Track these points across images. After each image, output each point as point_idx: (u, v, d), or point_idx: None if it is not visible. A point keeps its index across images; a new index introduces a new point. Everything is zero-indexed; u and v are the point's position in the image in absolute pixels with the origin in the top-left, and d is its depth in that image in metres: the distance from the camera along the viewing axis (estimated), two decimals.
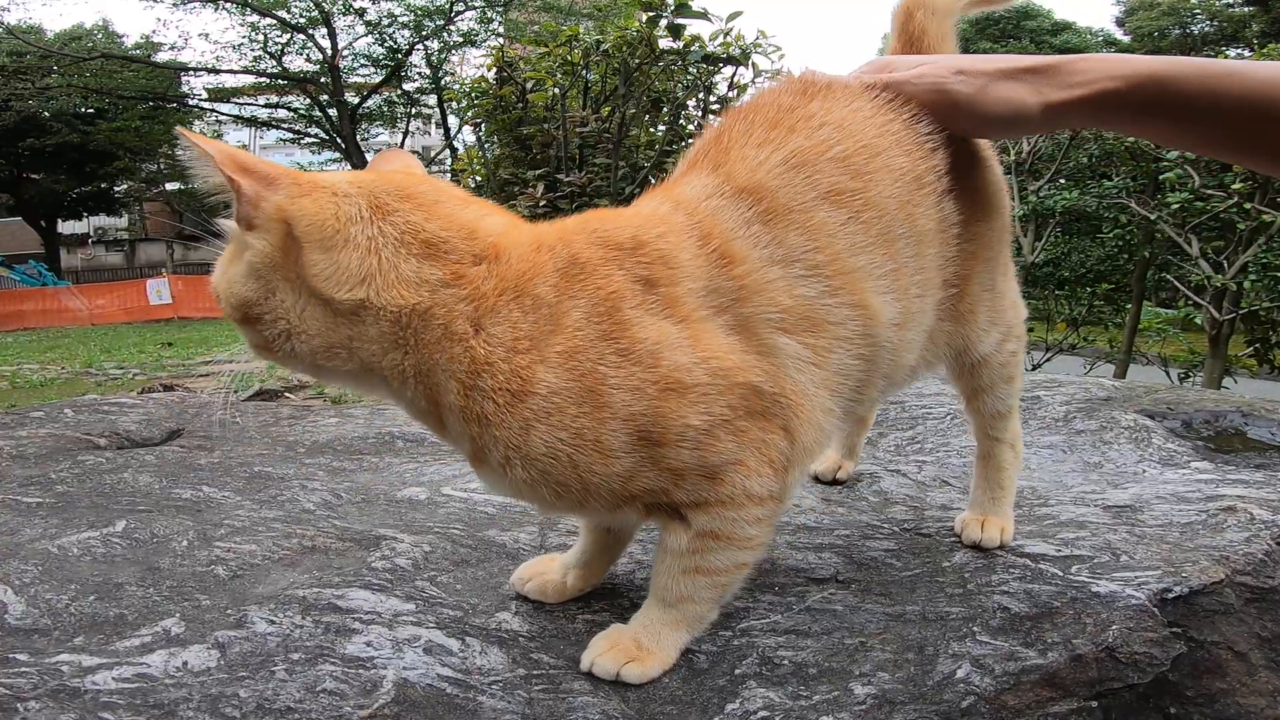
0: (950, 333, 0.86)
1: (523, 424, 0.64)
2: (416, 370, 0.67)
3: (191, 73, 20.20)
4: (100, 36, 21.39)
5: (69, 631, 0.79)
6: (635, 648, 0.71)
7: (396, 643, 0.76)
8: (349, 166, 20.11)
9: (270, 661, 0.73)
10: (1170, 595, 0.79)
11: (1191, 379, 5.03)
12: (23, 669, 0.72)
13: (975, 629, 0.76)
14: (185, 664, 0.73)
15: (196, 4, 17.96)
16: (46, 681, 0.70)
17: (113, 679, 0.70)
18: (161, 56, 19.88)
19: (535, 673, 0.73)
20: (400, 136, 22.15)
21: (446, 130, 19.53)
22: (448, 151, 18.87)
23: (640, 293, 0.66)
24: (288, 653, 0.75)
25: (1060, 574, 0.85)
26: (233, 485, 1.27)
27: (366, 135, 22.47)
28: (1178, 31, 22.91)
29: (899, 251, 0.75)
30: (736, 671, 0.72)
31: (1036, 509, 1.07)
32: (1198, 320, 4.94)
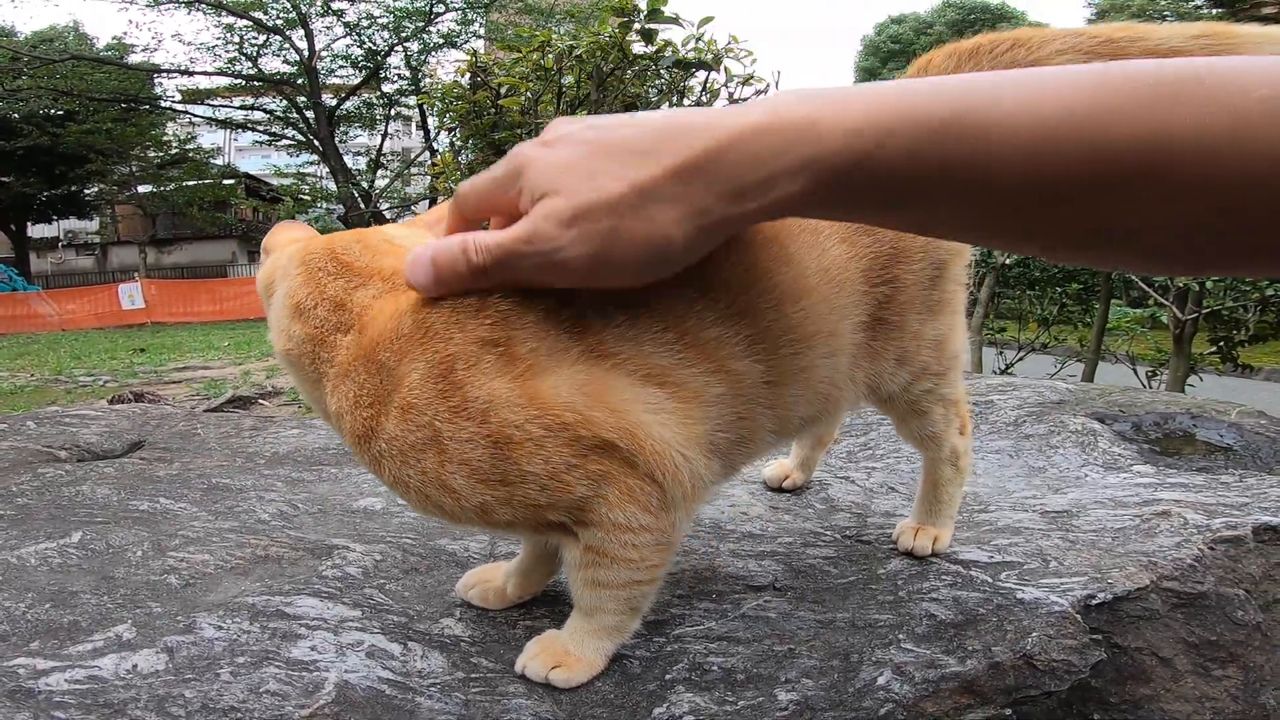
0: (865, 369, 0.86)
1: (373, 459, 0.70)
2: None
3: (165, 74, 19.97)
4: (71, 38, 21.09)
5: (25, 637, 0.81)
6: (564, 653, 0.74)
7: (340, 647, 0.78)
8: (326, 169, 19.98)
9: (216, 664, 0.75)
10: (1094, 602, 0.81)
11: (1159, 377, 5.13)
12: None
13: (900, 636, 0.78)
14: (135, 667, 0.75)
15: (170, 5, 17.76)
16: (4, 683, 0.71)
17: (65, 681, 0.72)
18: (134, 58, 19.64)
19: (473, 676, 0.75)
20: (379, 138, 22.01)
21: (426, 133, 19.43)
22: (427, 154, 18.78)
23: (478, 353, 0.66)
24: (234, 656, 0.77)
25: (989, 581, 0.87)
26: (190, 497, 1.27)
27: (344, 137, 22.32)
28: None
29: (759, 320, 0.73)
30: (667, 677, 0.74)
31: (976, 515, 1.10)
32: (1163, 319, 5.04)
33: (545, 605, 0.89)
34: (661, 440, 0.68)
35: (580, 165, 0.56)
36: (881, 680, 0.72)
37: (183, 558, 1.00)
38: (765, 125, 0.52)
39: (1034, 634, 0.77)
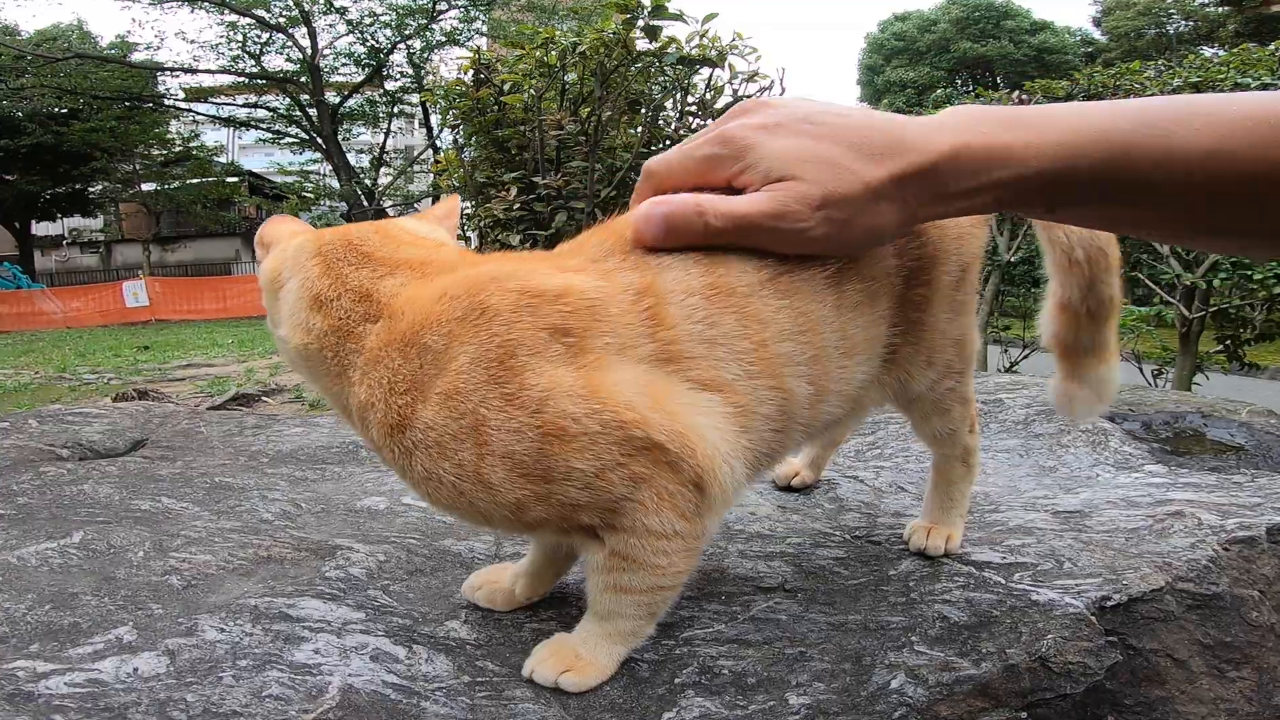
0: (897, 370, 0.87)
1: (404, 451, 0.68)
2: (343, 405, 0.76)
3: (168, 72, 20.00)
4: (75, 37, 21.14)
5: (25, 639, 0.80)
6: (574, 657, 0.73)
7: (344, 650, 0.77)
8: (329, 166, 20.01)
9: (218, 668, 0.74)
10: (1109, 603, 0.80)
11: (1164, 375, 5.11)
12: None
13: (914, 639, 0.77)
14: (135, 670, 0.74)
15: (173, 4, 17.78)
16: (3, 686, 0.71)
17: (65, 684, 0.71)
18: (137, 56, 19.68)
19: (479, 679, 0.74)
20: (382, 136, 22.03)
21: (429, 130, 19.44)
22: (430, 152, 18.79)
23: (546, 341, 0.66)
24: (236, 659, 0.76)
25: (1003, 582, 0.86)
26: (192, 496, 1.27)
27: (348, 135, 22.34)
28: (1154, 31, 23.22)
29: (824, 336, 0.75)
30: (676, 680, 0.73)
31: (987, 515, 1.09)
32: (1169, 318, 5.02)
33: (553, 608, 0.88)
34: (714, 446, 0.68)
35: (817, 157, 0.66)
36: (895, 683, 0.71)
37: (184, 558, 0.99)
38: (971, 147, 0.65)
39: (1049, 636, 0.76)
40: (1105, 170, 0.63)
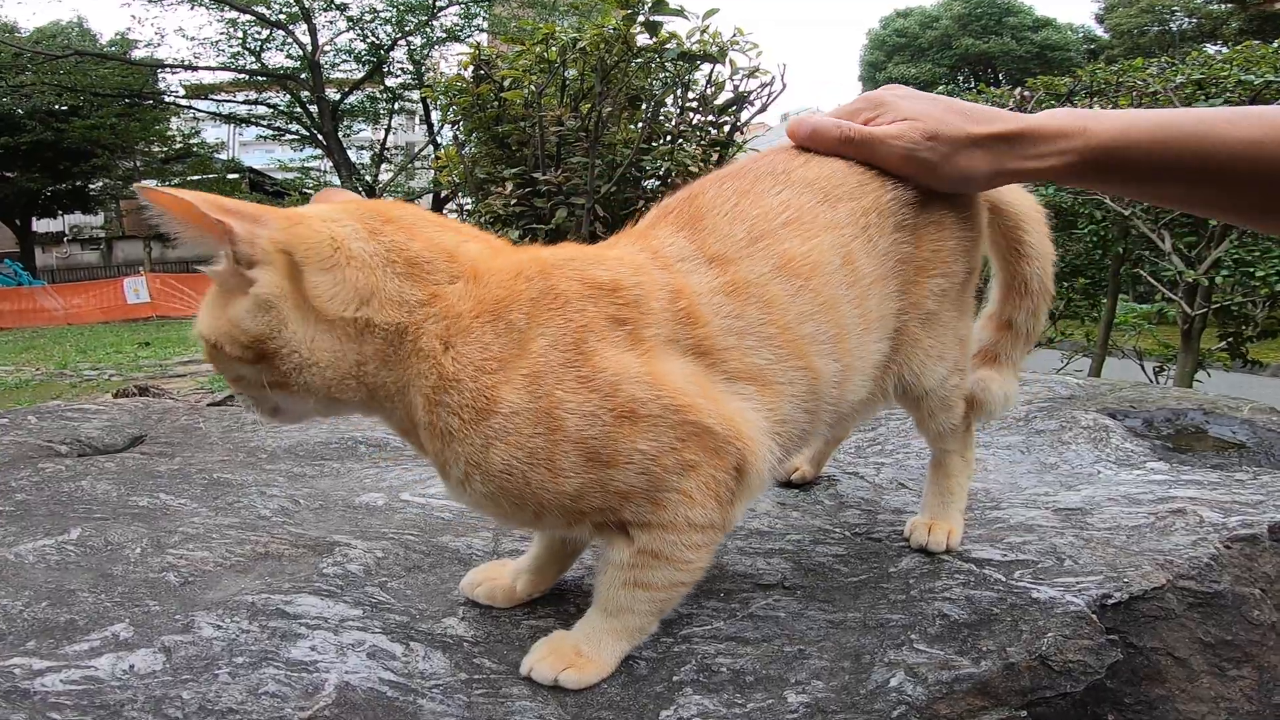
0: (908, 364, 0.90)
1: (484, 440, 0.67)
2: (399, 388, 0.70)
3: (168, 69, 19.98)
4: (75, 34, 21.12)
5: (22, 636, 0.80)
6: (575, 654, 0.72)
7: (340, 647, 0.77)
8: (330, 163, 19.99)
9: (215, 665, 0.74)
10: (1110, 601, 0.80)
11: (1166, 372, 5.10)
12: None
13: (913, 637, 0.77)
14: (132, 667, 0.74)
15: (172, 0, 17.75)
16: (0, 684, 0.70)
17: (61, 681, 0.71)
18: (137, 54, 19.65)
19: (476, 677, 0.74)
20: (383, 133, 22.01)
21: (430, 127, 19.42)
22: (430, 148, 18.78)
23: (609, 328, 0.70)
24: (232, 656, 0.76)
25: (1003, 580, 0.86)
26: (190, 492, 1.26)
27: (348, 131, 22.31)
28: (1156, 29, 23.16)
29: (842, 313, 0.80)
30: (675, 678, 0.73)
31: (988, 512, 1.08)
32: (1171, 315, 5.00)
33: (550, 605, 0.87)
34: (756, 427, 0.73)
35: (934, 111, 0.86)
36: (894, 682, 0.71)
37: (182, 555, 0.99)
38: (1052, 124, 0.84)
39: (1050, 634, 0.76)
40: (1156, 144, 0.81)
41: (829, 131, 0.87)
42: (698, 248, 0.77)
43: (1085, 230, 5.37)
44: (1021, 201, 1.00)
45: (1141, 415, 1.55)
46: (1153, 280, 5.08)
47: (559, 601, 0.88)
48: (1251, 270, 4.30)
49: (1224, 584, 0.86)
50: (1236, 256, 4.33)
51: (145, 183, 0.68)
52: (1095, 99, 5.11)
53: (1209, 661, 0.82)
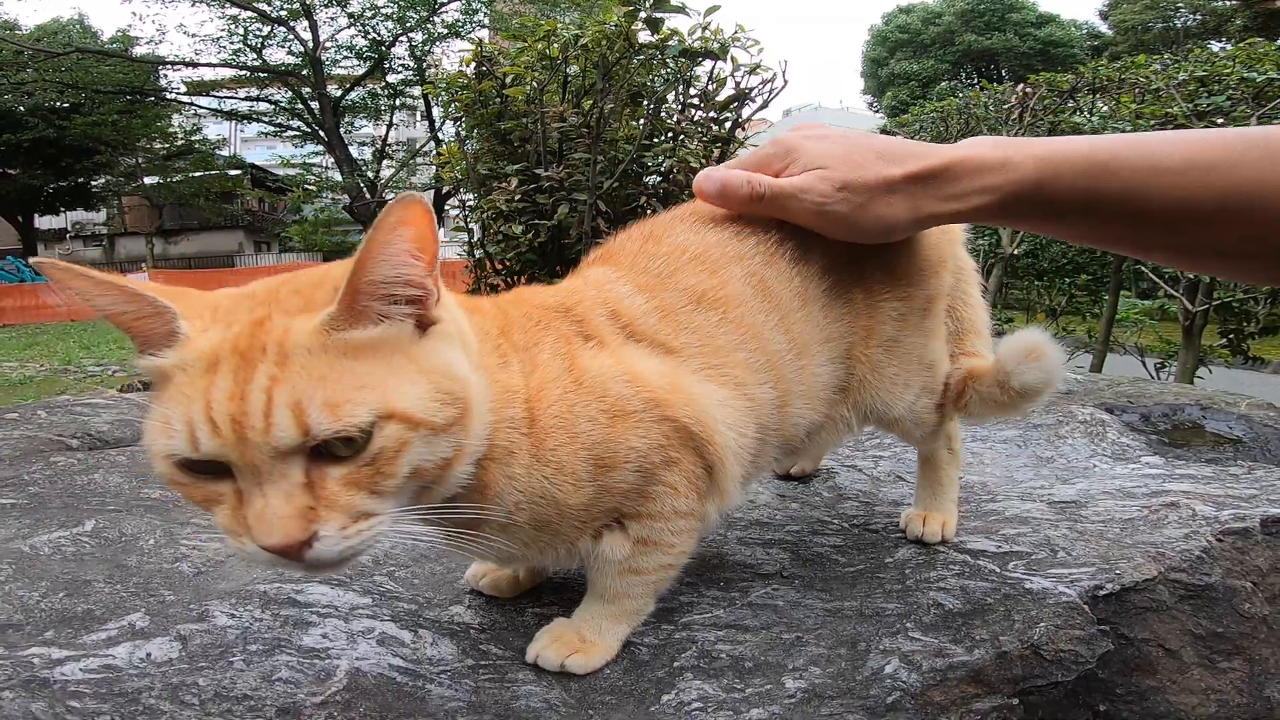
0: (863, 395, 0.91)
1: (541, 457, 0.69)
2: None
3: (169, 66, 19.98)
4: (76, 31, 21.12)
5: (40, 626, 0.82)
6: (579, 640, 0.75)
7: (351, 634, 0.79)
8: (332, 159, 19.99)
9: (229, 652, 0.76)
10: (1102, 592, 0.81)
11: (1167, 368, 5.11)
12: None
13: (908, 625, 0.79)
14: (148, 655, 0.76)
15: None
16: (19, 673, 0.72)
17: (80, 670, 0.73)
18: (139, 51, 19.64)
19: (483, 663, 0.76)
20: (384, 129, 22.00)
21: (431, 123, 19.41)
22: (432, 144, 18.76)
23: (580, 338, 0.74)
24: (246, 644, 0.78)
25: (997, 570, 0.87)
26: None
27: (350, 128, 22.29)
28: (1160, 25, 23.06)
29: (768, 340, 0.81)
30: (675, 664, 0.75)
31: (984, 504, 1.10)
32: (1173, 311, 5.01)
33: (553, 592, 0.89)
34: (727, 428, 0.76)
35: (846, 156, 0.81)
36: (889, 669, 0.73)
37: (194, 545, 1.01)
38: (973, 157, 0.78)
39: (1041, 624, 0.77)
40: (1087, 175, 0.75)
41: (738, 190, 0.84)
42: (623, 274, 0.81)
43: None
44: None
45: (1139, 410, 1.56)
46: (1154, 276, 5.08)
47: (562, 589, 0.90)
48: None
49: (1215, 577, 0.87)
50: None
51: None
52: (1098, 95, 5.11)
53: (1200, 654, 0.83)
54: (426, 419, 0.59)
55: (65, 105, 20.29)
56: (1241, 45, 4.75)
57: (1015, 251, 5.44)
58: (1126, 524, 0.98)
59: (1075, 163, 0.75)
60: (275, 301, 0.60)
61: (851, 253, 0.86)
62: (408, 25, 18.85)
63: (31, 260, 0.60)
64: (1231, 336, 5.02)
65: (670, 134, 3.31)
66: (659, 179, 3.26)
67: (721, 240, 0.83)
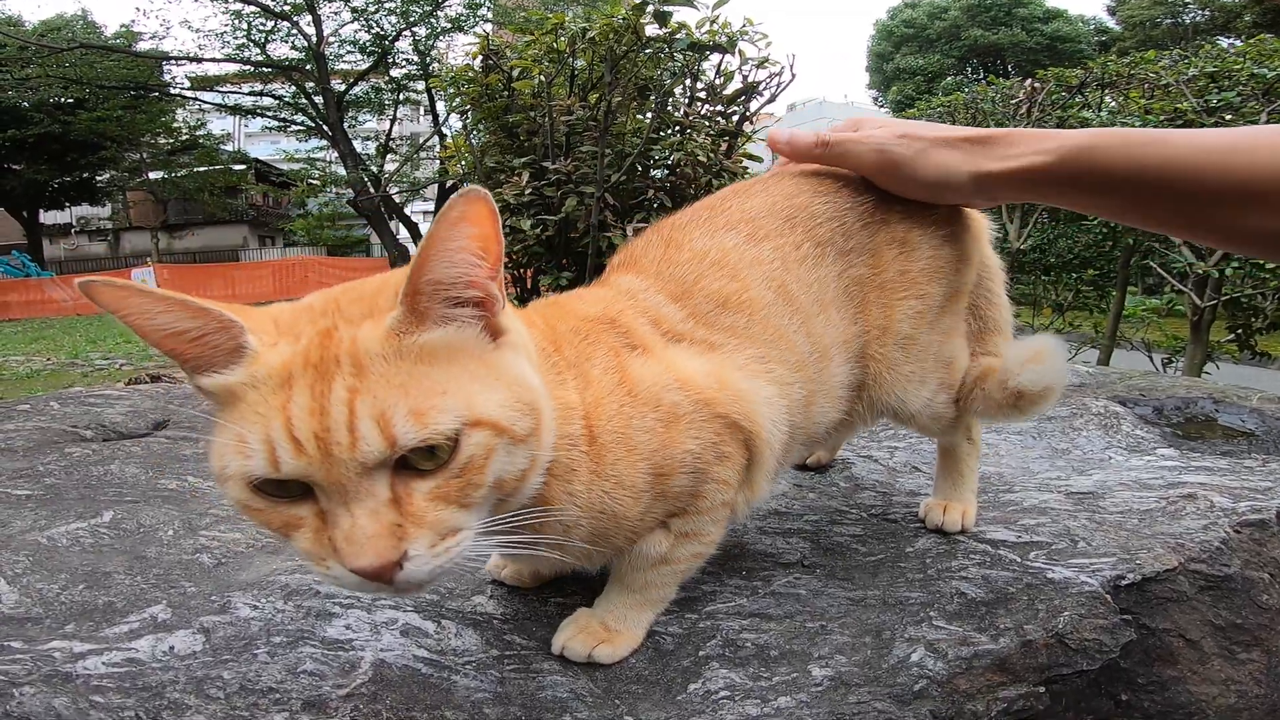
0: (878, 392, 0.91)
1: (600, 473, 0.69)
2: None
3: (173, 61, 19.96)
4: (79, 27, 21.13)
5: (60, 619, 0.82)
6: (604, 630, 0.75)
7: (375, 626, 0.79)
8: (336, 153, 19.98)
9: (253, 645, 0.76)
10: (1124, 582, 0.81)
11: (1174, 364, 5.09)
12: (17, 656, 0.74)
13: (932, 614, 0.79)
14: (172, 648, 0.76)
15: None
16: (40, 667, 0.72)
17: (102, 664, 0.73)
18: (142, 46, 19.64)
19: (508, 653, 0.76)
20: (388, 123, 21.99)
21: (435, 117, 19.40)
22: (436, 139, 18.75)
23: (627, 348, 0.74)
24: (270, 636, 0.77)
25: (1018, 560, 0.87)
26: None
27: (354, 122, 22.27)
28: (1169, 21, 22.92)
29: (794, 341, 0.82)
30: (701, 653, 0.75)
31: (1002, 495, 1.10)
32: (1180, 307, 4.99)
33: (575, 582, 0.89)
34: (770, 422, 0.76)
35: (908, 124, 0.89)
36: (915, 657, 0.73)
37: (214, 536, 1.01)
38: (1025, 132, 0.84)
39: (1065, 613, 0.77)
40: (1138, 144, 0.79)
41: (805, 138, 0.91)
42: (652, 284, 0.81)
43: (1096, 222, 5.36)
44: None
45: (1151, 403, 1.56)
46: (1162, 272, 5.06)
47: (583, 579, 0.90)
48: (1262, 262, 4.28)
49: (1234, 567, 0.87)
50: None
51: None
52: (1107, 91, 5.09)
53: (1219, 644, 0.83)
54: (510, 426, 0.57)
55: (70, 101, 20.30)
56: (1251, 42, 4.73)
57: (1022, 246, 5.42)
58: (1145, 515, 0.98)
59: (1124, 135, 0.80)
60: (337, 311, 0.58)
61: (870, 246, 0.87)
62: (411, 20, 18.81)
63: (80, 281, 0.55)
64: (1240, 332, 5.00)
65: (678, 127, 3.30)
66: (666, 172, 3.26)
67: (738, 245, 0.83)
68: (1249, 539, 0.91)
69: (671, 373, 0.72)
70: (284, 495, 0.55)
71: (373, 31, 19.42)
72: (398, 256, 18.71)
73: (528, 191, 2.99)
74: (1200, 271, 4.44)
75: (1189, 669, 0.81)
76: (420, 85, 20.14)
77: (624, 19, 3.00)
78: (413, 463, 0.54)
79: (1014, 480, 1.17)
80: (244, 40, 19.13)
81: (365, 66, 20.08)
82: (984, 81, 6.75)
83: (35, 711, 0.66)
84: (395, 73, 20.53)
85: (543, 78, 3.10)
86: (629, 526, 0.71)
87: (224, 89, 21.54)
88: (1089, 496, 1.06)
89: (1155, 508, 0.99)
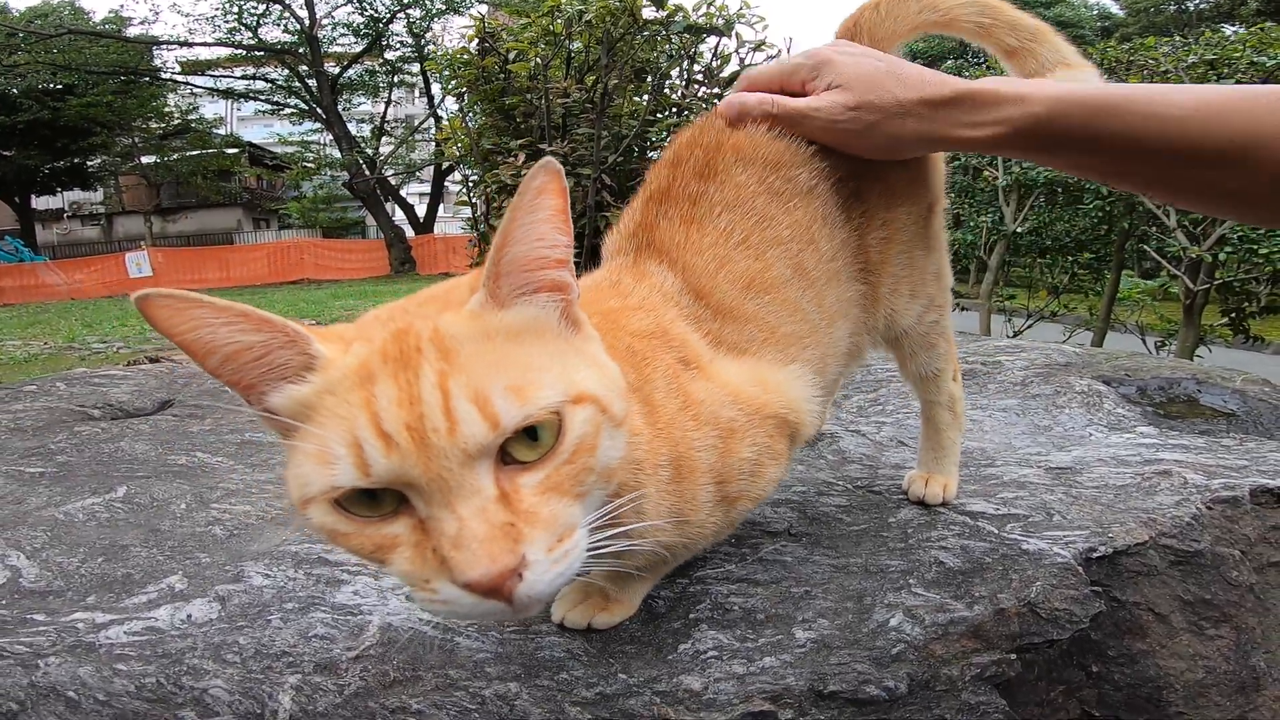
0: (875, 313, 0.94)
1: (687, 500, 0.70)
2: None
3: (164, 46, 19.78)
4: (68, 13, 20.90)
5: (81, 592, 0.85)
6: (603, 598, 0.78)
7: (381, 591, 0.83)
8: (330, 136, 19.85)
9: (266, 611, 0.80)
10: (1095, 555, 0.84)
11: (1167, 347, 5.13)
12: (40, 628, 0.78)
13: (911, 581, 0.82)
14: (189, 616, 0.80)
15: None
16: (64, 638, 0.76)
17: (124, 633, 0.77)
18: (132, 31, 19.45)
19: None
20: (382, 105, 21.83)
21: (430, 100, 19.26)
22: (431, 121, 18.62)
23: (681, 365, 0.74)
24: (282, 603, 0.81)
25: (995, 532, 0.90)
26: (225, 450, 1.32)
27: (348, 105, 22.11)
28: (1173, 7, 22.72)
29: (807, 311, 0.84)
30: (690, 616, 0.79)
31: (984, 469, 1.13)
32: (1174, 290, 5.03)
33: None
34: (807, 401, 0.80)
35: (868, 78, 0.86)
36: (894, 622, 0.76)
37: (225, 509, 1.05)
38: (990, 89, 0.82)
39: (1037, 583, 0.80)
40: (1100, 115, 0.78)
41: (754, 109, 0.89)
42: (683, 282, 0.80)
43: (1091, 205, 5.38)
44: None
45: (1136, 383, 1.58)
46: (1157, 256, 5.09)
47: None
48: (1255, 247, 4.31)
49: (1204, 543, 0.89)
50: (1241, 233, 4.35)
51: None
52: (1107, 77, 5.08)
53: (1188, 619, 0.85)
54: (610, 404, 0.53)
55: (59, 87, 20.12)
56: (1252, 30, 4.73)
57: (1019, 229, 5.45)
58: (1120, 490, 1.00)
59: (1087, 104, 0.79)
60: (407, 313, 0.55)
61: (858, 186, 0.91)
62: (405, 2, 18.64)
63: (136, 295, 0.49)
64: (1233, 316, 5.04)
65: (674, 109, 3.31)
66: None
67: (760, 224, 0.83)
68: (1221, 515, 0.93)
69: (725, 389, 0.74)
70: (375, 513, 0.50)
71: (366, 14, 19.25)
72: (393, 238, 18.64)
73: (524, 173, 3.00)
74: (1194, 255, 4.47)
75: (1158, 643, 0.83)
76: (415, 67, 19.98)
77: (620, 1, 3.00)
78: (514, 455, 0.50)
79: (996, 455, 1.20)
80: (235, 24, 18.96)
81: (359, 49, 19.91)
82: (984, 66, 6.73)
83: (61, 681, 0.69)
84: (390, 55, 20.37)
85: (539, 60, 3.10)
86: (690, 539, 0.73)
87: (216, 73, 21.37)
88: (1067, 471, 1.09)
89: (1130, 483, 1.02)
